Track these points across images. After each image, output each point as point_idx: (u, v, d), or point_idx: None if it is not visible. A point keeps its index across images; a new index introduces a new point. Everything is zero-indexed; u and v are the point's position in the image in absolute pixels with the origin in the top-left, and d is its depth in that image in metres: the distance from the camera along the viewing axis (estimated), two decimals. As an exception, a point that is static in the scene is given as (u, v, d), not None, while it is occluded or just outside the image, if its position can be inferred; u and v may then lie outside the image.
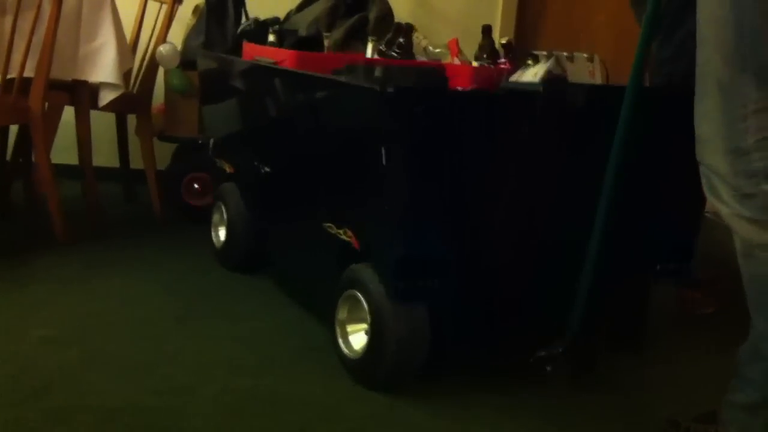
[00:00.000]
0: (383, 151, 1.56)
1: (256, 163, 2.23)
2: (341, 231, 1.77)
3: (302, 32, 2.55)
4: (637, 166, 1.67)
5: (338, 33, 2.70)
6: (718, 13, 1.38)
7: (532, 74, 1.72)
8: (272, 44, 2.36)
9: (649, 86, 2.06)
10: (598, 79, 1.93)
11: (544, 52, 1.81)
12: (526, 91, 1.68)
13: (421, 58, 2.38)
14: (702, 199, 1.56)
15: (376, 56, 2.30)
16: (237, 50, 2.55)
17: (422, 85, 1.83)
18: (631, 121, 1.57)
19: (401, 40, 2.28)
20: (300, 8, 2.90)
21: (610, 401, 1.78)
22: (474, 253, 1.68)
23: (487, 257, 1.69)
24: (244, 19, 2.94)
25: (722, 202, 1.43)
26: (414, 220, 1.61)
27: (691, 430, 1.56)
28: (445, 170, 1.60)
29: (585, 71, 1.88)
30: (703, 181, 1.47)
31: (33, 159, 2.73)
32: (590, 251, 1.65)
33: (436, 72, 2.12)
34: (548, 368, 1.71)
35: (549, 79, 1.68)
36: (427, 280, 1.63)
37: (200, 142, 2.78)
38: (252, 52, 2.39)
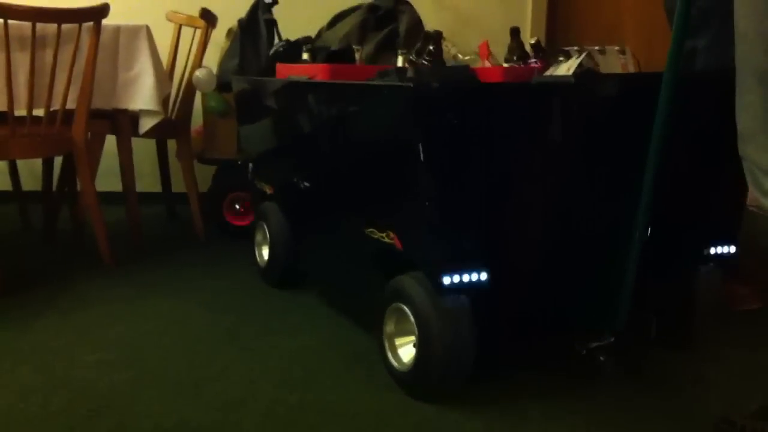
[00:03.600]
0: (420, 148, 1.56)
1: (295, 180, 2.25)
2: (384, 234, 1.77)
3: (334, 47, 2.58)
4: (676, 154, 1.64)
5: (370, 47, 2.73)
6: (757, 5, 1.36)
7: (565, 69, 1.71)
8: (305, 62, 2.39)
9: (687, 73, 2.03)
10: (630, 71, 1.92)
11: (575, 48, 1.80)
12: (558, 82, 1.68)
13: (451, 65, 2.39)
14: (744, 185, 1.53)
15: (407, 66, 2.32)
16: (271, 72, 2.58)
17: (454, 80, 1.82)
18: (671, 108, 1.55)
19: (431, 47, 2.29)
20: (331, 25, 2.93)
21: (661, 399, 1.75)
22: (515, 244, 1.67)
23: (527, 248, 1.69)
24: (276, 39, 2.98)
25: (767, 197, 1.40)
26: (453, 213, 1.61)
27: (747, 428, 1.52)
28: (480, 162, 1.59)
29: (617, 64, 1.87)
30: (748, 176, 1.44)
31: (78, 187, 2.80)
32: (633, 241, 1.64)
33: (466, 69, 2.12)
34: (601, 358, 1.69)
35: (581, 71, 1.67)
36: (470, 273, 1.62)
37: (239, 163, 2.82)
38: (285, 71, 2.42)
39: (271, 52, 2.80)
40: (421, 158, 1.56)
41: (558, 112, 1.62)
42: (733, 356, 1.99)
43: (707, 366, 1.93)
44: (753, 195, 1.47)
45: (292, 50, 2.61)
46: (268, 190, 2.51)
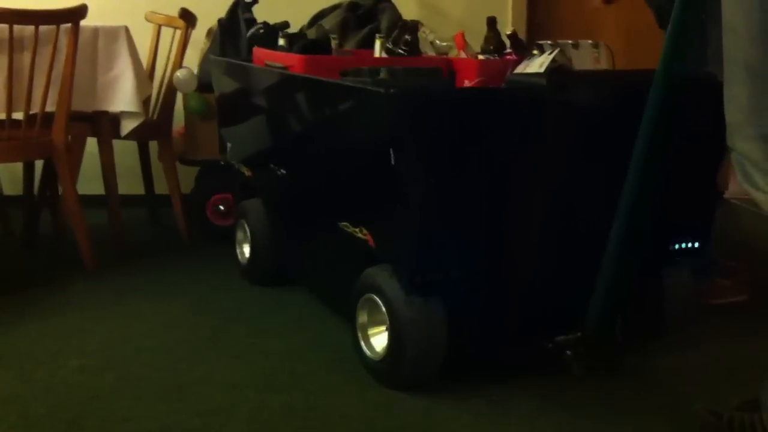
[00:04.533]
0: (390, 152, 1.57)
1: (272, 166, 2.26)
2: (357, 229, 1.79)
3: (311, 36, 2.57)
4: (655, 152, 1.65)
5: (350, 45, 2.72)
6: None
7: (538, 65, 1.71)
8: (282, 48, 2.38)
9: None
10: (603, 66, 1.92)
11: (549, 42, 1.80)
12: (529, 84, 1.68)
13: (428, 52, 2.39)
14: (715, 181, 1.53)
15: (383, 55, 2.31)
16: (248, 54, 2.58)
17: (425, 85, 1.84)
18: (662, 110, 1.54)
19: (407, 37, 2.28)
20: (311, 23, 2.92)
21: (646, 392, 1.76)
22: (487, 245, 1.68)
23: (500, 250, 1.70)
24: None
25: (758, 189, 1.40)
26: (424, 216, 1.62)
27: (734, 420, 1.53)
28: (453, 167, 1.60)
29: (590, 58, 1.87)
30: (736, 168, 1.45)
31: (59, 191, 2.78)
32: (612, 242, 1.64)
33: (440, 71, 2.12)
34: (567, 352, 1.70)
35: (552, 69, 1.67)
36: (440, 273, 1.65)
37: (222, 163, 2.81)
38: (262, 56, 2.41)
39: (249, 33, 2.77)
40: (392, 162, 1.57)
41: (530, 116, 1.63)
42: (716, 349, 2.00)
43: (691, 359, 1.94)
44: (739, 187, 1.47)
45: (270, 34, 2.59)
46: (247, 173, 2.50)
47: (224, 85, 2.67)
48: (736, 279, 2.34)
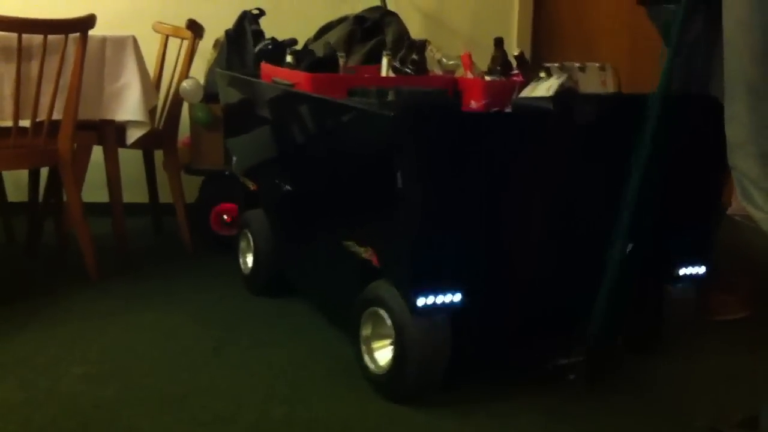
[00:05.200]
0: (398, 174, 1.58)
1: (278, 186, 2.27)
2: (361, 249, 1.79)
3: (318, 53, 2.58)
4: (654, 171, 1.66)
5: (356, 58, 2.73)
6: (744, 17, 1.38)
7: (545, 89, 1.72)
8: (289, 65, 2.39)
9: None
10: (610, 88, 1.93)
11: (557, 64, 1.81)
12: (536, 108, 1.69)
13: (435, 70, 2.40)
14: (719, 201, 1.55)
15: (390, 73, 2.32)
16: (256, 68, 2.59)
17: (432, 107, 1.85)
18: (658, 128, 1.56)
19: (415, 56, 2.30)
20: (318, 36, 2.94)
21: (646, 406, 1.76)
22: (491, 265, 1.69)
23: (506, 272, 1.71)
24: (263, 46, 2.98)
25: (757, 207, 1.41)
26: (429, 237, 1.63)
27: (735, 438, 1.53)
28: (458, 188, 1.61)
29: (597, 81, 1.88)
30: (736, 185, 1.46)
31: (64, 199, 2.79)
32: (611, 257, 1.65)
33: (445, 93, 2.13)
34: (570, 377, 1.70)
35: (558, 94, 1.68)
36: (444, 294, 1.65)
37: (226, 173, 2.82)
38: (270, 72, 2.43)
39: (257, 48, 2.78)
40: (399, 184, 1.57)
41: (536, 140, 1.64)
42: (719, 363, 2.00)
43: (693, 374, 1.94)
44: (740, 204, 1.48)
45: (278, 50, 2.61)
46: (252, 186, 2.51)
47: (231, 99, 2.69)
48: (738, 295, 2.34)
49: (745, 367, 1.97)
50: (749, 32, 1.38)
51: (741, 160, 1.43)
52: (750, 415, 1.54)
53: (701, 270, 1.91)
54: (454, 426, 1.68)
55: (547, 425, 1.68)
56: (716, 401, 1.80)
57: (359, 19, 2.87)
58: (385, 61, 2.33)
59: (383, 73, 2.33)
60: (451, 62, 2.34)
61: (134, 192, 3.19)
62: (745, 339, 2.16)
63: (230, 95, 2.69)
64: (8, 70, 2.39)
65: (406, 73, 2.28)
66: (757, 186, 1.40)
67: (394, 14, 2.94)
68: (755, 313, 2.31)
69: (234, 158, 2.66)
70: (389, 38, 2.78)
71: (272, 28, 2.99)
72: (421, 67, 2.31)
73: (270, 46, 2.61)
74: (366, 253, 1.77)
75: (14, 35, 2.32)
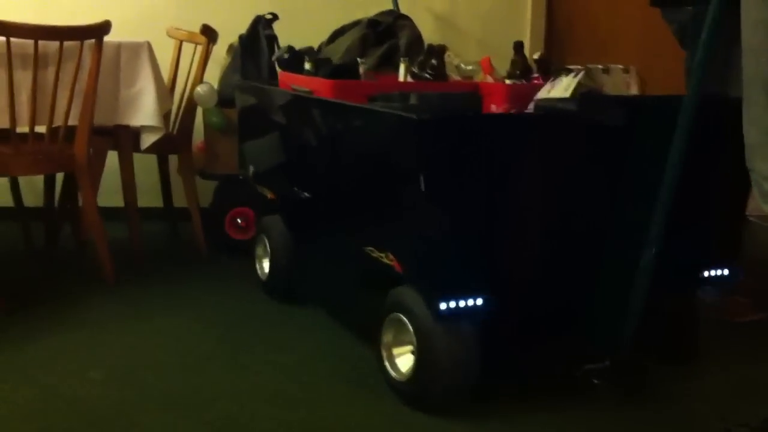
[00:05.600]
0: (421, 178, 1.57)
1: (297, 194, 2.26)
2: (383, 254, 1.78)
3: (337, 61, 2.58)
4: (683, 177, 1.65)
5: (370, 62, 2.73)
6: (762, 18, 1.37)
7: (563, 88, 1.71)
8: (308, 72, 2.39)
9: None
10: (634, 91, 1.92)
11: (579, 67, 1.80)
12: (560, 111, 1.68)
13: (453, 76, 2.39)
14: (744, 206, 1.54)
15: (409, 79, 2.32)
16: (273, 77, 2.59)
17: (456, 111, 1.85)
18: (690, 132, 1.54)
19: (434, 61, 2.29)
20: (331, 40, 2.93)
21: (661, 412, 1.75)
22: (515, 269, 1.68)
23: (528, 273, 1.70)
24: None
25: None
26: (453, 243, 1.62)
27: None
28: (483, 192, 1.61)
29: (621, 83, 1.87)
30: (755, 187, 1.45)
31: (80, 203, 2.80)
32: (642, 265, 1.64)
33: (470, 96, 2.13)
34: (596, 381, 1.69)
35: (582, 95, 1.67)
36: (467, 299, 1.64)
37: (240, 177, 2.83)
38: (288, 80, 2.43)
39: (275, 57, 2.79)
40: (422, 188, 1.57)
41: (560, 140, 1.63)
42: (733, 369, 1.99)
43: (707, 379, 1.93)
44: (754, 204, 1.47)
45: (295, 59, 2.61)
46: (269, 195, 2.51)
47: (248, 108, 2.69)
48: (755, 297, 2.32)
49: (763, 372, 1.96)
50: (767, 34, 1.37)
51: (759, 161, 1.42)
52: (764, 419, 1.53)
53: (726, 272, 1.89)
54: (467, 430, 1.67)
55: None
56: (733, 407, 1.78)
57: (372, 22, 2.86)
58: (402, 67, 2.32)
59: (401, 79, 2.33)
60: (470, 67, 2.34)
61: (149, 196, 3.20)
62: (762, 343, 2.14)
63: (247, 104, 2.69)
64: (25, 77, 2.41)
65: (426, 78, 2.28)
66: None
67: (407, 18, 2.93)
68: None
69: (251, 167, 2.66)
70: (403, 42, 2.77)
71: (286, 32, 3.00)
72: (440, 72, 2.31)
73: (287, 54, 2.62)
74: (387, 258, 1.76)
75: (30, 42, 2.33)
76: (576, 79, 1.71)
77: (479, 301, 1.64)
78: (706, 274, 1.88)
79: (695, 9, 1.87)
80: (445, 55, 2.35)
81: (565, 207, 1.68)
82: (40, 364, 1.99)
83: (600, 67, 1.85)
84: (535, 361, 1.78)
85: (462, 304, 1.63)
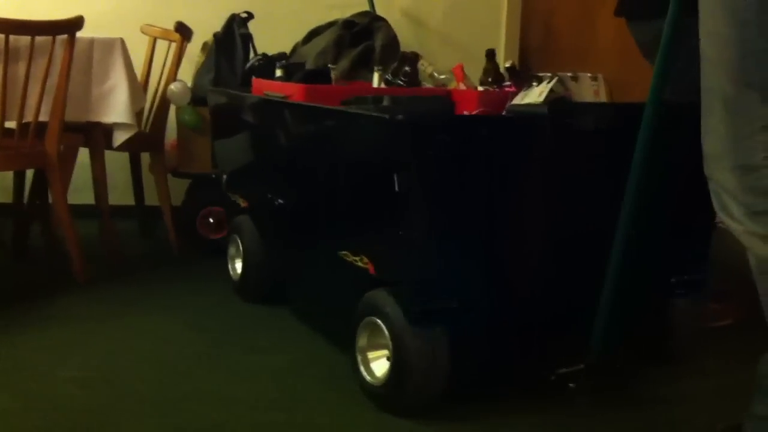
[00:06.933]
0: (395, 179, 1.58)
1: (270, 197, 2.26)
2: (357, 258, 1.78)
3: (310, 65, 2.58)
4: (651, 182, 1.68)
5: (345, 63, 2.74)
6: (719, 30, 1.39)
7: (536, 94, 1.74)
8: (280, 78, 2.40)
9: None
10: (602, 98, 1.95)
11: (548, 74, 1.83)
12: (532, 112, 1.70)
13: (427, 84, 2.42)
14: (712, 213, 1.56)
15: (382, 85, 2.33)
16: (246, 85, 2.59)
17: (430, 112, 1.86)
18: (652, 138, 1.57)
19: (407, 68, 2.31)
20: (306, 40, 2.94)
21: (637, 417, 1.77)
22: (490, 272, 1.69)
23: (504, 278, 1.71)
24: (252, 54, 2.99)
25: (734, 219, 1.42)
26: (428, 245, 1.63)
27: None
28: (457, 194, 1.62)
29: (590, 90, 1.90)
30: (713, 197, 1.46)
31: (50, 200, 2.77)
32: (611, 268, 1.66)
33: (442, 99, 2.14)
34: (571, 385, 1.71)
35: (554, 99, 1.70)
36: (443, 303, 1.64)
37: (213, 176, 2.81)
38: (261, 87, 2.43)
39: (248, 65, 2.79)
40: (396, 189, 1.57)
41: (533, 143, 1.65)
42: (709, 372, 2.02)
43: (683, 383, 1.95)
44: (721, 218, 1.49)
45: (268, 65, 2.62)
46: (242, 203, 2.50)
47: (221, 114, 2.67)
48: (723, 302, 2.36)
49: (736, 375, 1.99)
50: (725, 46, 1.38)
51: (718, 172, 1.43)
52: (733, 423, 1.55)
53: (700, 277, 1.92)
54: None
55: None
56: (709, 411, 1.80)
57: (348, 23, 2.87)
58: (376, 75, 2.34)
59: (375, 86, 2.35)
60: (443, 76, 2.36)
61: (120, 194, 3.18)
62: (736, 346, 2.17)
63: (220, 111, 2.67)
64: (-5, 71, 2.38)
65: (399, 85, 2.30)
66: (734, 198, 1.40)
67: (382, 19, 2.94)
68: (742, 319, 2.33)
69: (224, 177, 2.65)
70: (378, 43, 2.78)
71: (261, 32, 2.99)
72: (413, 79, 2.33)
73: (260, 62, 2.62)
74: (362, 261, 1.77)
75: (1, 36, 2.30)
76: (548, 86, 1.73)
77: (454, 304, 1.64)
78: (676, 279, 1.90)
79: (656, 24, 1.90)
80: (419, 63, 2.37)
81: (542, 207, 1.69)
82: (7, 363, 1.96)
83: (569, 74, 1.87)
84: (511, 365, 1.79)
85: (437, 307, 1.63)
